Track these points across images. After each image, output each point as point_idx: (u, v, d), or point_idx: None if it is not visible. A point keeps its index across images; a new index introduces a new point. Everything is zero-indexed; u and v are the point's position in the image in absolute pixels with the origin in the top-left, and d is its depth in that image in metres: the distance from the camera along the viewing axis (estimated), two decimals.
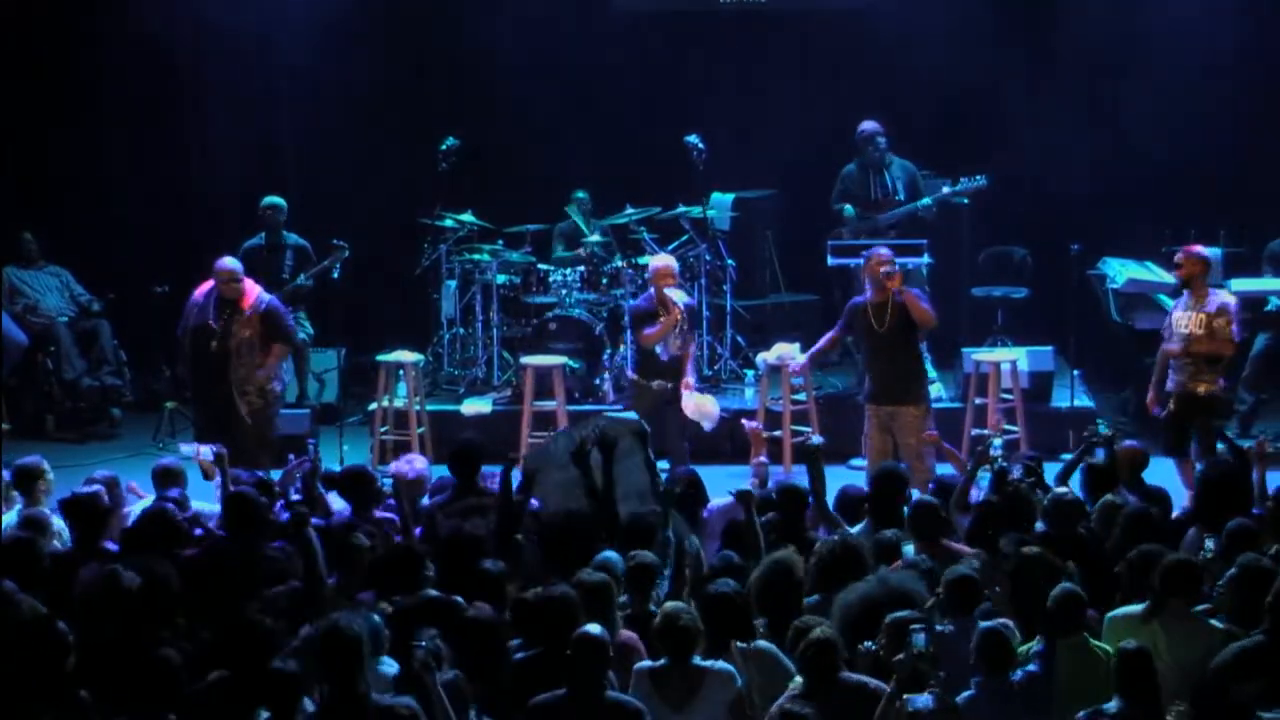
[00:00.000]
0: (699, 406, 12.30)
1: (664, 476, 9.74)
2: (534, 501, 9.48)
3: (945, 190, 14.33)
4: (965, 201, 14.52)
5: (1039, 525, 8.97)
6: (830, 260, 14.30)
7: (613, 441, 9.30)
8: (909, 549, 8.67)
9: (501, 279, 14.20)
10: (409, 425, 13.40)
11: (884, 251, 11.78)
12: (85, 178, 15.62)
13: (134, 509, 9.83)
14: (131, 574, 7.88)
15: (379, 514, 9.45)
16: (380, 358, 13.66)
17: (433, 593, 7.94)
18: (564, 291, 14.03)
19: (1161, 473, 10.65)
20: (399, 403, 13.57)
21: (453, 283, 14.43)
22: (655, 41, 15.86)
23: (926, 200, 14.36)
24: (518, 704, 7.07)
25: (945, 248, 14.49)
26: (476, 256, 14.35)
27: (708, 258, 14.37)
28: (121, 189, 15.67)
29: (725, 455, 12.43)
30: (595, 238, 14.46)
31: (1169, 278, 14.20)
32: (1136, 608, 7.79)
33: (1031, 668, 7.31)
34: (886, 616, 7.36)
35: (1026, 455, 10.46)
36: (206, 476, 10.40)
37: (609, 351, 13.86)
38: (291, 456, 10.22)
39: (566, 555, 8.34)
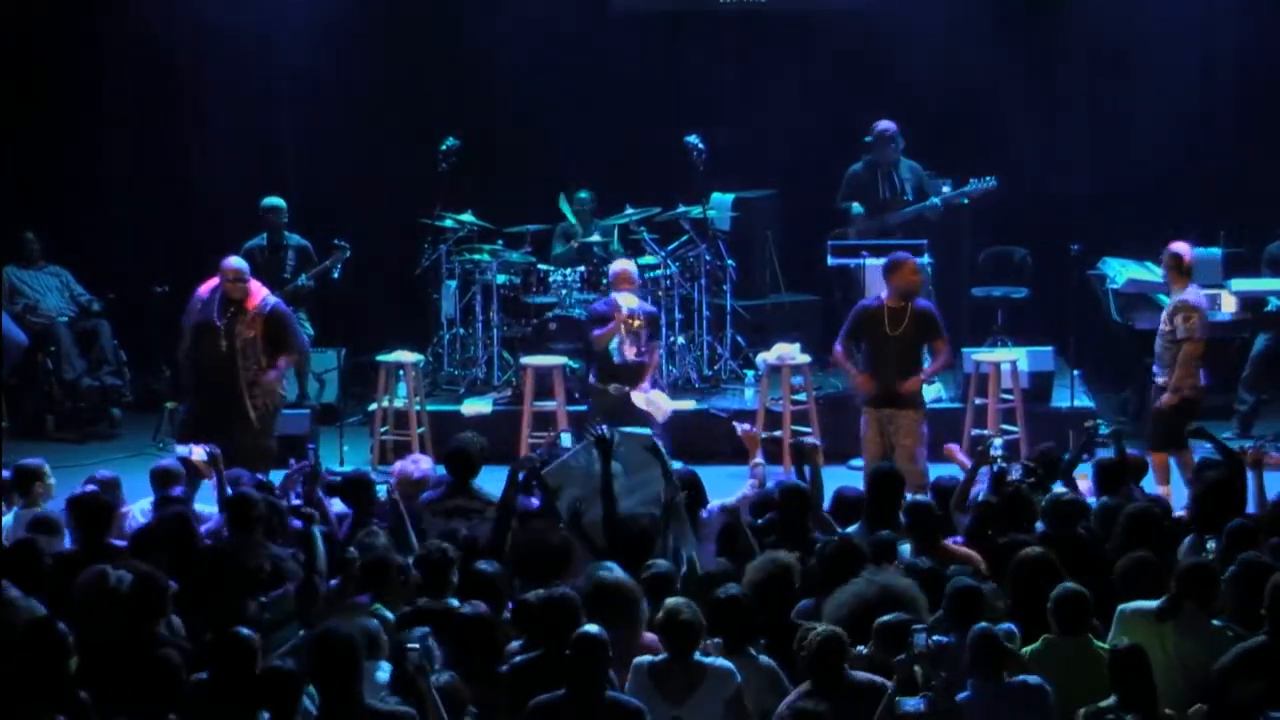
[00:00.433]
0: (650, 399, 12.32)
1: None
2: (534, 500, 9.49)
3: (953, 191, 14.36)
4: (965, 201, 14.53)
5: (1039, 525, 8.99)
6: (830, 260, 14.33)
7: (608, 444, 9.28)
8: (905, 549, 8.67)
9: (501, 279, 14.20)
10: (409, 425, 13.41)
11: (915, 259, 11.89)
12: (85, 178, 15.61)
13: (134, 509, 9.84)
14: (121, 573, 7.88)
15: (378, 523, 9.42)
16: (380, 358, 13.67)
17: (453, 601, 7.95)
18: (564, 291, 14.03)
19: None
20: (399, 403, 13.57)
21: (453, 283, 14.43)
22: (655, 41, 15.85)
23: (935, 200, 14.39)
24: (518, 705, 7.06)
25: (945, 248, 14.50)
26: (476, 256, 14.35)
27: (708, 258, 14.37)
28: (121, 189, 15.67)
29: (724, 456, 12.42)
30: (595, 237, 14.46)
31: None
32: (1150, 604, 7.77)
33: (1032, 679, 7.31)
34: (878, 618, 7.37)
35: (1043, 447, 10.51)
36: (201, 476, 10.38)
37: None
38: (292, 460, 10.22)
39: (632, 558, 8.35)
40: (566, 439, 10.36)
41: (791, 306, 15.53)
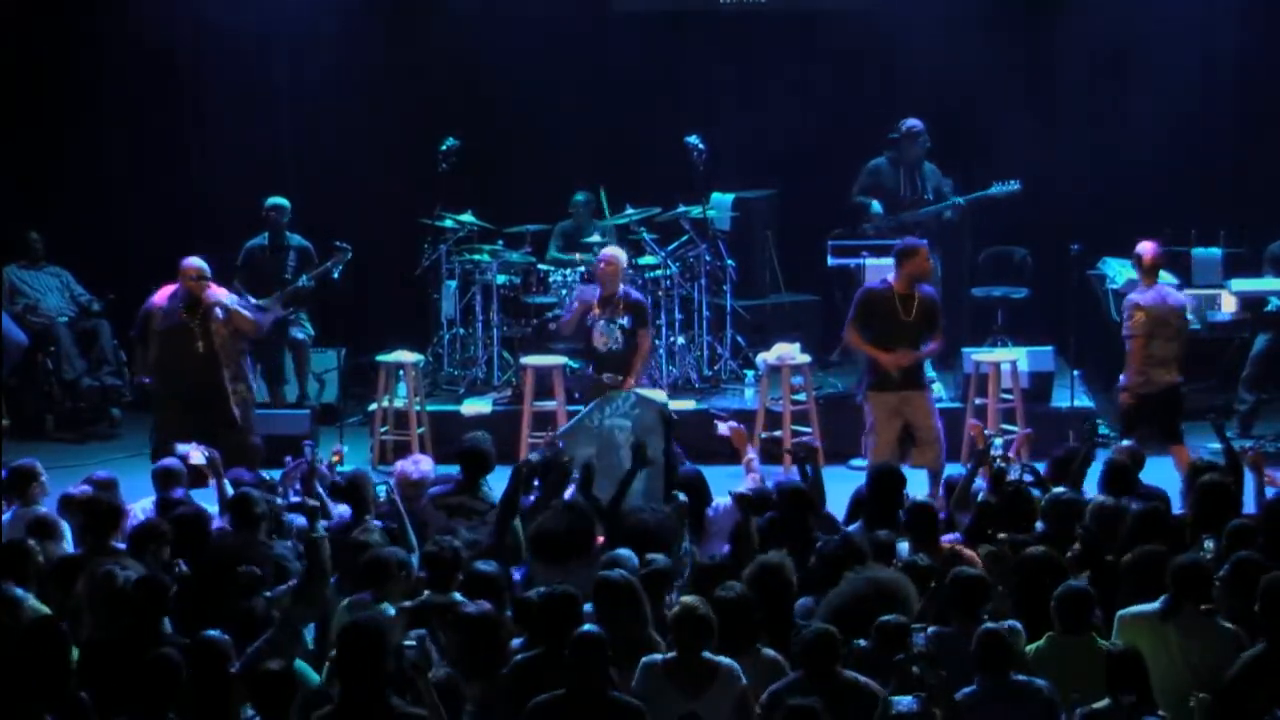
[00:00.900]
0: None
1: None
2: (529, 499, 9.51)
3: (976, 192, 14.39)
4: (961, 202, 14.55)
5: (1038, 525, 9.00)
6: (830, 260, 14.33)
7: (645, 458, 9.30)
8: (904, 547, 8.67)
9: (501, 279, 14.20)
10: (409, 425, 13.41)
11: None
12: (85, 178, 15.61)
13: (134, 508, 9.85)
14: (129, 573, 7.89)
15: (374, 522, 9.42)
16: (380, 358, 13.67)
17: (457, 596, 7.97)
18: (564, 291, 14.03)
19: (1160, 473, 10.66)
20: (399, 403, 13.57)
21: (453, 283, 14.44)
22: (655, 41, 15.84)
23: (957, 200, 14.42)
24: (518, 704, 7.06)
25: (945, 248, 14.49)
26: (476, 256, 14.36)
27: (708, 258, 14.38)
28: (121, 189, 15.66)
29: (724, 456, 12.38)
30: (595, 237, 14.47)
31: (1169, 278, 14.23)
32: (1149, 607, 7.78)
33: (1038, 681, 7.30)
34: (875, 614, 7.38)
35: (1068, 447, 10.56)
36: (202, 480, 10.37)
37: None
38: (288, 458, 10.22)
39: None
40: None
41: (791, 306, 15.54)
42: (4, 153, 14.93)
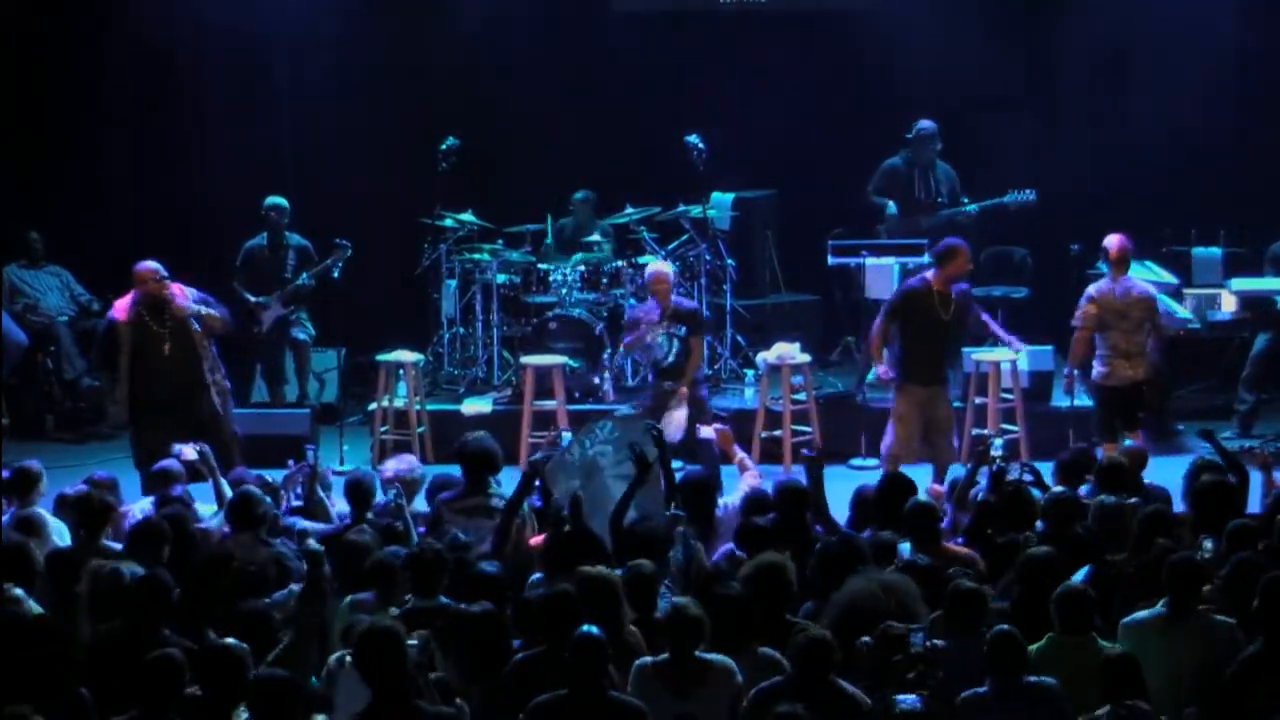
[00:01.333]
0: (670, 418, 12.36)
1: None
2: (536, 501, 9.50)
3: (991, 200, 14.45)
4: (974, 211, 14.59)
5: (1039, 525, 9.00)
6: (830, 260, 14.33)
7: (648, 464, 9.27)
8: (905, 548, 8.67)
9: (501, 279, 14.20)
10: (409, 425, 13.41)
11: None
12: (85, 178, 15.60)
13: (134, 508, 9.85)
14: (134, 570, 7.90)
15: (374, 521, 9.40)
16: (380, 358, 13.66)
17: (444, 600, 7.96)
18: (564, 291, 14.03)
19: (1162, 471, 10.66)
20: (399, 402, 13.57)
21: (453, 282, 14.44)
22: (655, 41, 15.84)
23: (971, 207, 14.45)
24: (519, 703, 7.06)
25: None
26: (476, 256, 14.36)
27: (708, 258, 14.38)
28: (121, 189, 15.65)
29: (723, 456, 12.40)
30: (595, 237, 14.47)
31: (1169, 277, 14.27)
32: (1150, 613, 7.78)
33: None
34: (879, 615, 7.37)
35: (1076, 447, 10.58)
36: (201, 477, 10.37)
37: (609, 351, 13.86)
38: (291, 461, 10.22)
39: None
40: (566, 438, 10.36)
41: (791, 306, 15.55)
42: (4, 153, 14.93)
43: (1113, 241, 12.13)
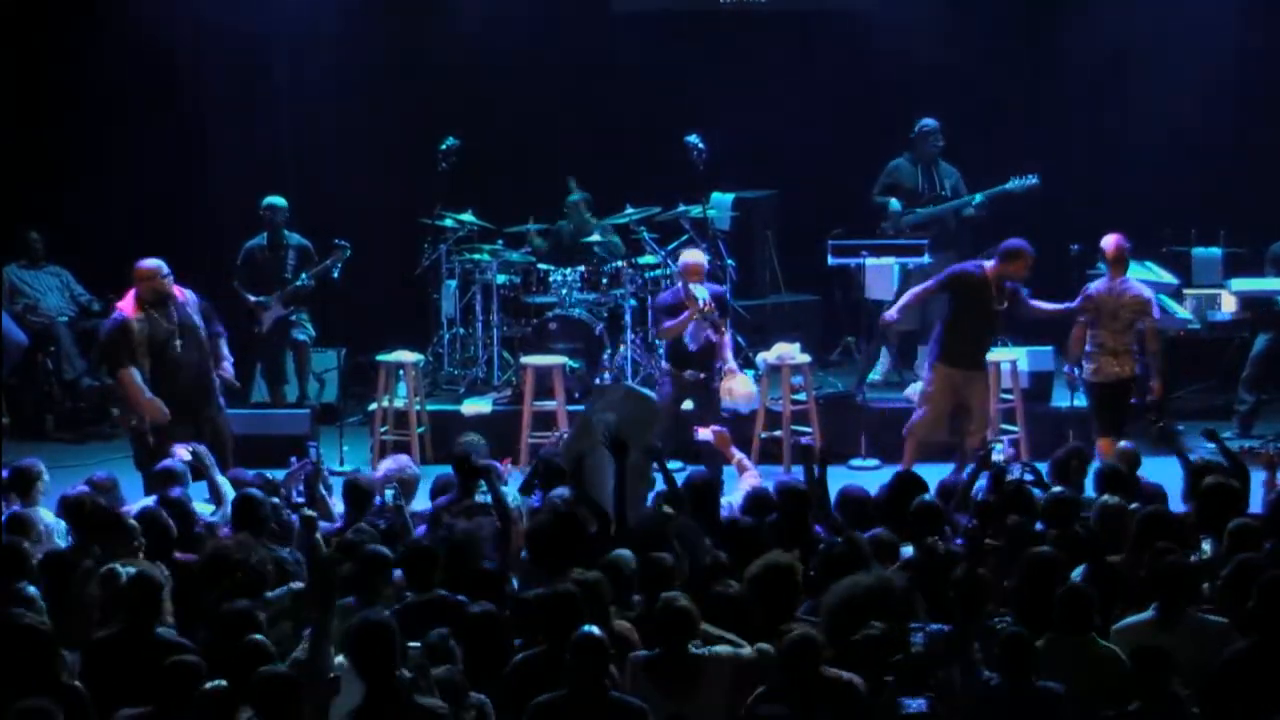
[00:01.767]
0: (734, 390, 12.39)
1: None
2: (535, 500, 9.50)
3: (994, 188, 14.44)
4: (979, 199, 14.58)
5: (1038, 524, 9.00)
6: (830, 260, 14.33)
7: (625, 447, 9.25)
8: (907, 550, 8.67)
9: (501, 279, 14.20)
10: (409, 425, 13.41)
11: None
12: (85, 178, 15.60)
13: (134, 509, 9.84)
14: (130, 570, 7.89)
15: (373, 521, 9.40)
16: (380, 358, 13.66)
17: (441, 592, 7.95)
18: (564, 291, 14.03)
19: (1161, 470, 10.67)
20: (399, 403, 13.57)
21: (453, 283, 14.44)
22: (655, 41, 15.84)
23: (978, 197, 14.46)
24: (520, 703, 7.06)
25: (959, 250, 14.48)
26: (476, 256, 14.36)
27: (708, 257, 14.36)
28: (121, 189, 15.65)
29: (723, 456, 12.41)
30: (595, 237, 14.47)
31: (1169, 277, 14.27)
32: (1143, 616, 7.78)
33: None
34: (877, 611, 7.36)
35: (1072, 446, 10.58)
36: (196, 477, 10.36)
37: (609, 351, 13.86)
38: (293, 459, 10.22)
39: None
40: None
41: (791, 306, 15.55)
42: (4, 153, 14.91)
43: (1109, 241, 12.14)
